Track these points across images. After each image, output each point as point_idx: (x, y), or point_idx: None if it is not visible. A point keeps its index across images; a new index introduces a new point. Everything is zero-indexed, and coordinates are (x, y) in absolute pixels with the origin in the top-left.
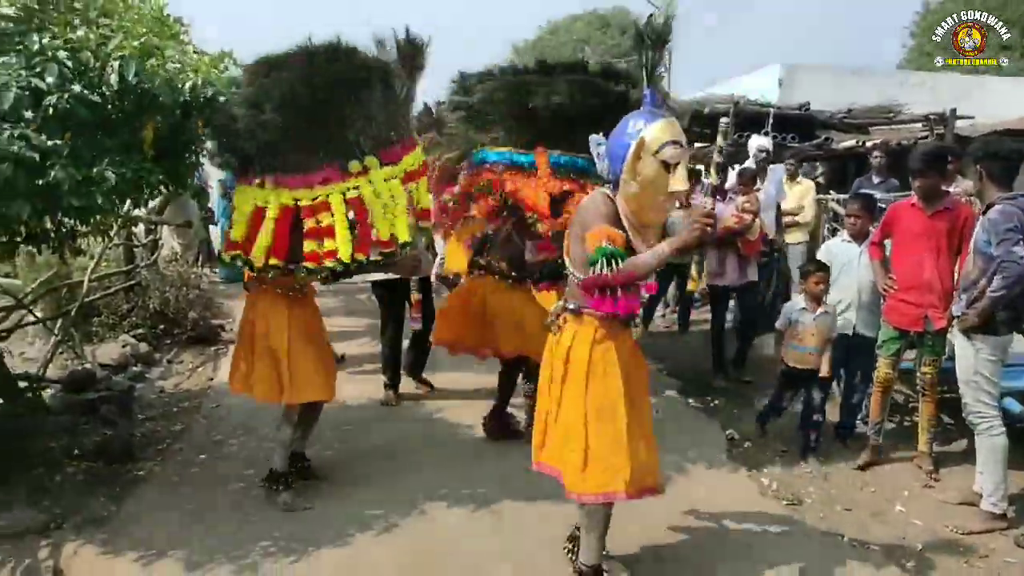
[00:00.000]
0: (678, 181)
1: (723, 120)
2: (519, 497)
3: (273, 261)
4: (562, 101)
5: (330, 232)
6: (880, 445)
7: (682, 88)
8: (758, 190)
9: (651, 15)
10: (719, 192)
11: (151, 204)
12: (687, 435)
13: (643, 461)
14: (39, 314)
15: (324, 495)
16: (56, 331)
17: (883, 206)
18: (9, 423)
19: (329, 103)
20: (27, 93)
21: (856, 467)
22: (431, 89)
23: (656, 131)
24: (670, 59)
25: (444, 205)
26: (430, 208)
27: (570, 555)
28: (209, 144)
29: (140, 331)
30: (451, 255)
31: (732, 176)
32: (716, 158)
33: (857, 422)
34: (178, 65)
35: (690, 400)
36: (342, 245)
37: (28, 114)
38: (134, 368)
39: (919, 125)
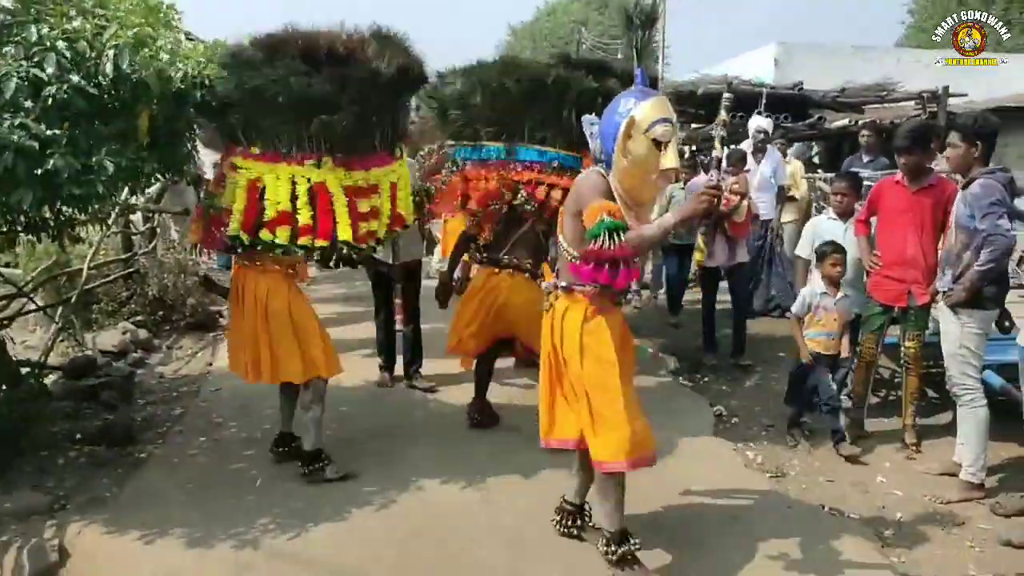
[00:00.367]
0: (669, 159)
1: (725, 95)
2: (510, 474)
3: (320, 243)
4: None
5: (375, 214)
6: (864, 419)
7: (678, 69)
8: (747, 171)
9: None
10: (717, 167)
11: (148, 192)
12: (676, 411)
13: (638, 432)
14: (39, 302)
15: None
16: (57, 319)
17: (871, 184)
18: (13, 409)
19: (394, 95)
20: (26, 83)
21: (842, 442)
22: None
23: (647, 109)
24: (663, 39)
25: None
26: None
27: (557, 526)
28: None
29: (139, 318)
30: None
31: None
32: (719, 131)
33: (842, 397)
34: (169, 55)
35: (680, 378)
36: (381, 228)
37: (27, 104)
38: (134, 354)
39: (912, 103)
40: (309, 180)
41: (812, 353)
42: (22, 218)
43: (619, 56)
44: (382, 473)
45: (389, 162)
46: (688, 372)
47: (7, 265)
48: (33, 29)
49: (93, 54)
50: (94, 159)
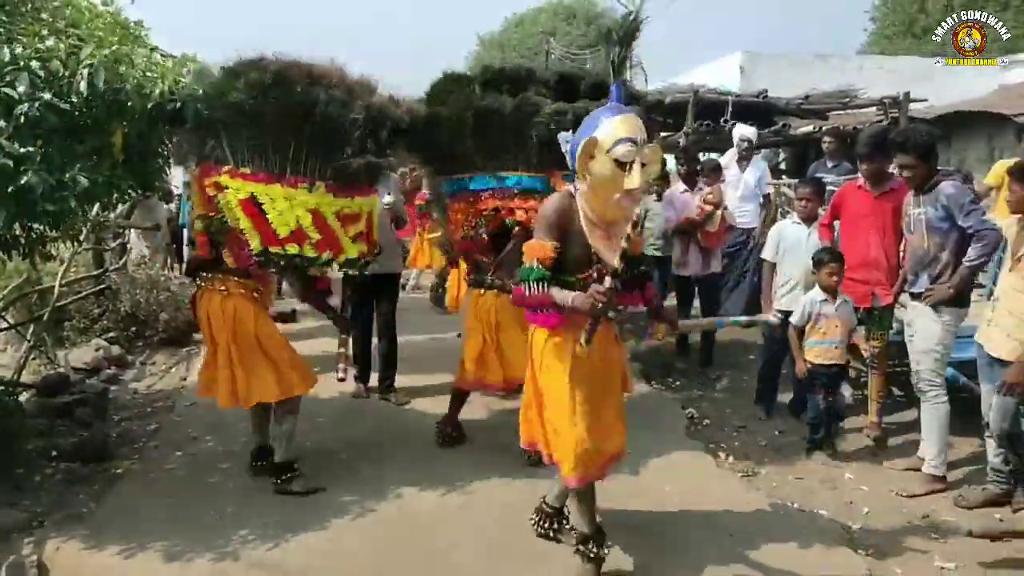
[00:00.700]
0: (632, 179)
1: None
2: (486, 481)
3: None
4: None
5: (360, 239)
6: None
7: (644, 78)
8: (723, 181)
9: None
10: (688, 180)
11: (119, 209)
12: (649, 414)
13: (588, 450)
14: (10, 320)
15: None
16: (28, 337)
17: (835, 188)
18: None
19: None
20: None
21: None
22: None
23: (609, 128)
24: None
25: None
26: None
27: (535, 527)
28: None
29: (112, 334)
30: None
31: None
32: (681, 142)
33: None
34: (144, 72)
35: (652, 382)
36: (355, 250)
37: (0, 123)
38: (107, 371)
39: (874, 109)
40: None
41: (810, 366)
42: None
43: (588, 66)
44: (359, 483)
45: (369, 193)
46: (661, 376)
47: None
48: (6, 50)
49: (67, 72)
50: (67, 175)
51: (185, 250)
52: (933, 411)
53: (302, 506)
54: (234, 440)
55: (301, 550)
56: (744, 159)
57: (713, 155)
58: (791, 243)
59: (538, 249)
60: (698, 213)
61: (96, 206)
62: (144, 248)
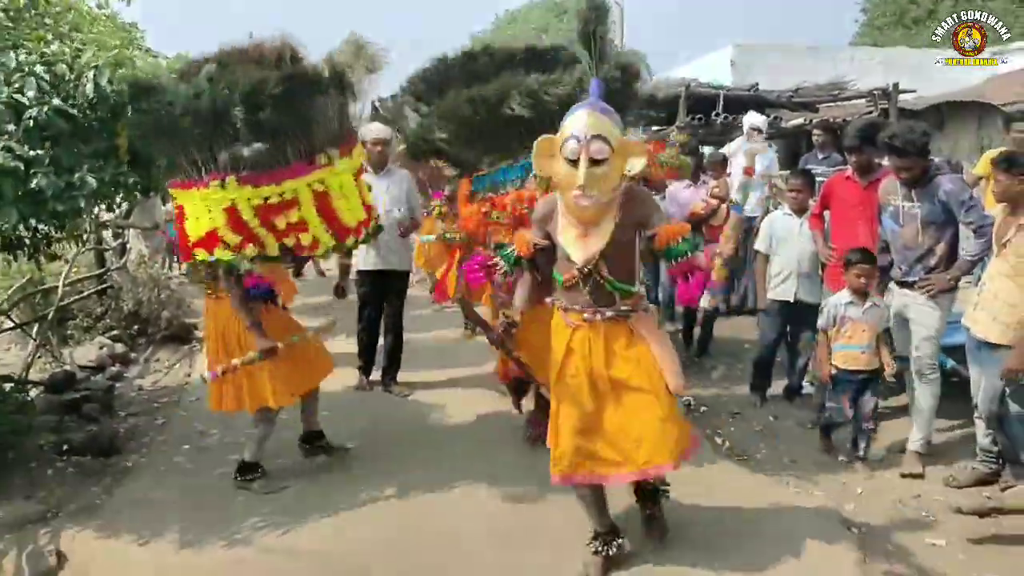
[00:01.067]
0: (577, 176)
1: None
2: (490, 469)
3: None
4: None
5: (303, 227)
6: (826, 403)
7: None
8: (729, 175)
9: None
10: (692, 176)
11: (117, 209)
12: None
13: (563, 450)
14: (16, 320)
15: (308, 474)
16: (34, 335)
17: (824, 180)
18: (1, 422)
19: (295, 102)
20: (8, 108)
21: (805, 426)
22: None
23: (564, 125)
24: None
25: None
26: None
27: None
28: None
29: (115, 332)
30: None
31: None
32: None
33: (804, 383)
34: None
35: None
36: (322, 236)
37: (10, 127)
38: (112, 368)
39: (864, 101)
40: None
41: (836, 370)
42: None
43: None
44: (365, 471)
45: (306, 171)
46: None
47: None
48: (12, 55)
49: (72, 76)
50: (76, 176)
51: None
52: (929, 391)
53: (309, 495)
54: (240, 433)
55: (311, 536)
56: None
57: (707, 148)
58: (783, 234)
59: (519, 239)
60: (703, 207)
61: (102, 206)
62: (143, 247)
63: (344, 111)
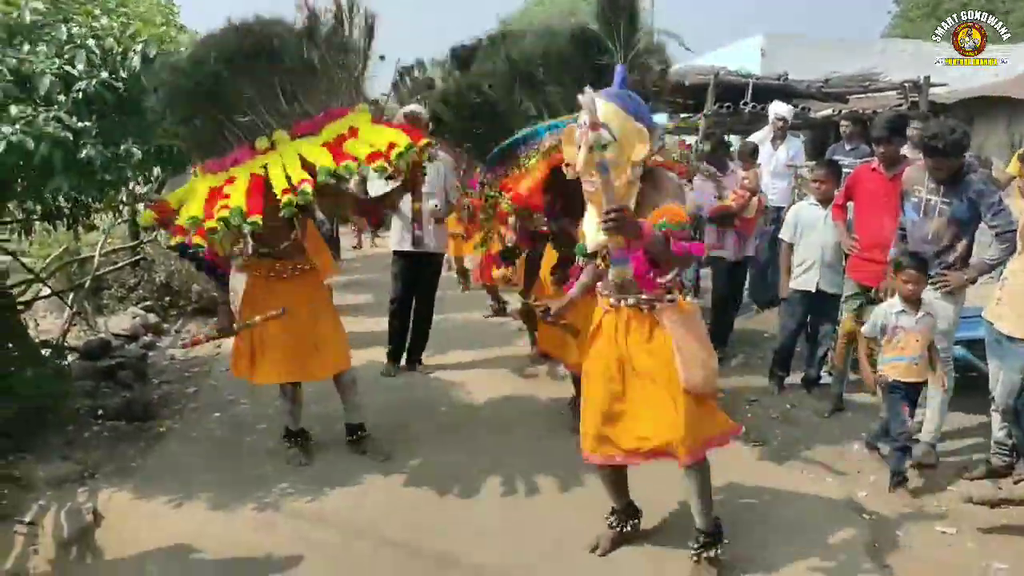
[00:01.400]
0: (578, 159)
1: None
2: (507, 446)
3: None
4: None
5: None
6: (843, 393)
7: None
8: (758, 165)
9: None
10: (719, 164)
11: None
12: None
13: (600, 430)
14: (53, 288)
15: (335, 448)
16: (70, 303)
17: (850, 171)
18: (40, 385)
19: (224, 83)
20: (58, 79)
21: (822, 415)
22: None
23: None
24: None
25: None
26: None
27: None
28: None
29: (148, 303)
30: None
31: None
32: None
33: (822, 373)
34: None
35: None
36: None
37: (60, 98)
38: (145, 337)
39: (894, 93)
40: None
41: (888, 381)
42: (39, 207)
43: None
44: (387, 444)
45: (247, 156)
46: None
47: (21, 254)
48: (63, 28)
49: (120, 49)
50: (123, 148)
51: None
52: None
53: (334, 465)
54: (269, 403)
55: (338, 502)
56: (779, 137)
57: (733, 138)
58: (807, 224)
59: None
60: (734, 199)
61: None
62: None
63: (310, 84)
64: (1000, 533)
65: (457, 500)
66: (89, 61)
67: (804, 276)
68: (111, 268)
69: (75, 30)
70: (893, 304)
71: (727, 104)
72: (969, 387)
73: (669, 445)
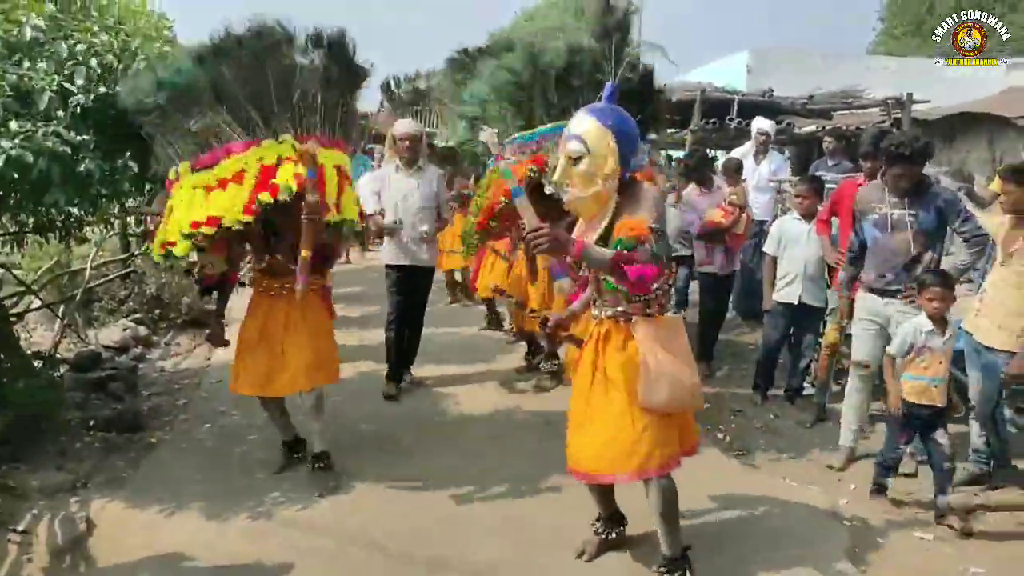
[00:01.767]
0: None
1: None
2: (499, 451)
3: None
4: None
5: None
6: (825, 404)
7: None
8: (744, 180)
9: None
10: (703, 182)
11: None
12: None
13: (570, 442)
14: (43, 300)
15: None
16: (61, 315)
17: (834, 186)
18: (32, 396)
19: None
20: (57, 95)
21: (805, 425)
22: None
23: None
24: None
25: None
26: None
27: None
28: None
29: (138, 315)
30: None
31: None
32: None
33: (804, 384)
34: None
35: None
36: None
37: (59, 113)
38: (135, 349)
39: (877, 110)
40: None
41: (908, 403)
42: (32, 219)
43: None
44: (380, 452)
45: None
46: None
47: (12, 267)
48: (64, 45)
49: (120, 66)
50: (119, 162)
51: None
52: None
53: (342, 479)
54: (259, 414)
55: (329, 510)
56: (761, 152)
57: (718, 153)
58: (791, 238)
59: None
60: (724, 216)
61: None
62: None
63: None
64: (978, 539)
65: (448, 507)
66: (88, 77)
67: (787, 289)
68: (102, 280)
69: (77, 47)
70: (923, 322)
71: (713, 120)
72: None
73: (609, 462)
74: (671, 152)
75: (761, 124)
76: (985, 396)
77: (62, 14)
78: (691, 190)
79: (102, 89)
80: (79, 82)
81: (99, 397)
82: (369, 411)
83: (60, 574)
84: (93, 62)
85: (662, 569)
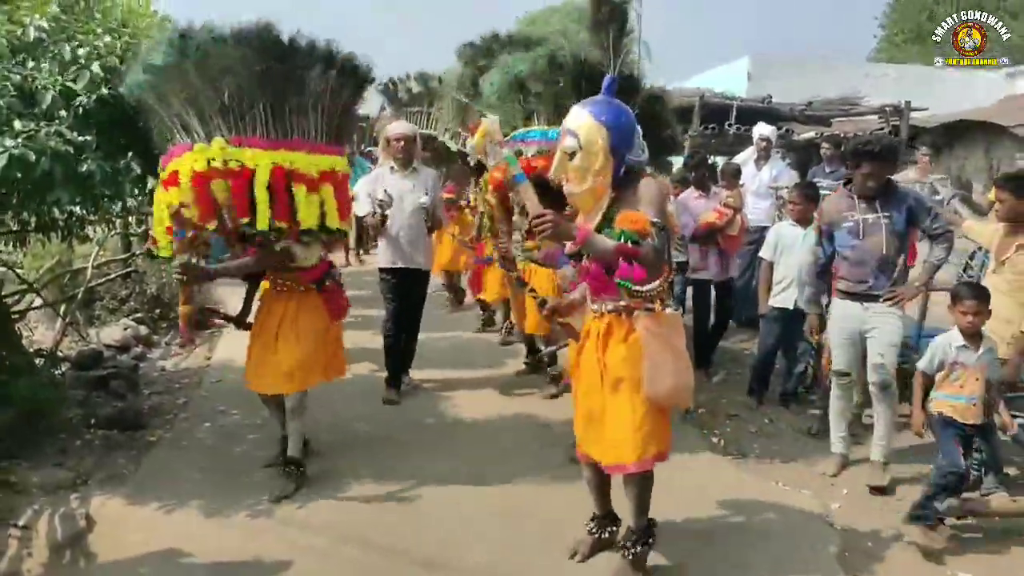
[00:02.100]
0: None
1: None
2: (493, 451)
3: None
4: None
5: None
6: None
7: (653, 82)
8: (742, 186)
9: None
10: (702, 186)
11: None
12: None
13: (578, 431)
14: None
15: (324, 456)
16: (62, 314)
17: (828, 193)
18: (33, 395)
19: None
20: (60, 95)
21: (811, 432)
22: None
23: None
24: (640, 50)
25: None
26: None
27: None
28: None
29: (139, 315)
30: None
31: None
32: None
33: (800, 389)
34: None
35: None
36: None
37: (62, 113)
38: (136, 349)
39: (876, 117)
40: None
41: (944, 418)
42: (34, 218)
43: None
44: (377, 452)
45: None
46: None
47: (13, 265)
48: (67, 48)
49: (124, 68)
50: (122, 162)
51: None
52: (890, 403)
53: (325, 473)
54: (259, 414)
55: (326, 509)
56: (762, 158)
57: (718, 159)
58: (787, 244)
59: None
60: (718, 217)
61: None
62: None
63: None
64: (967, 544)
65: (444, 506)
66: (91, 80)
67: (783, 294)
68: (103, 280)
69: (80, 51)
70: (953, 337)
71: (712, 125)
72: None
73: (618, 452)
74: (670, 158)
75: (763, 130)
76: None
77: (65, 15)
78: (689, 193)
79: (105, 90)
80: (81, 84)
81: (100, 395)
82: (366, 412)
83: (60, 569)
84: (95, 67)
85: (631, 541)
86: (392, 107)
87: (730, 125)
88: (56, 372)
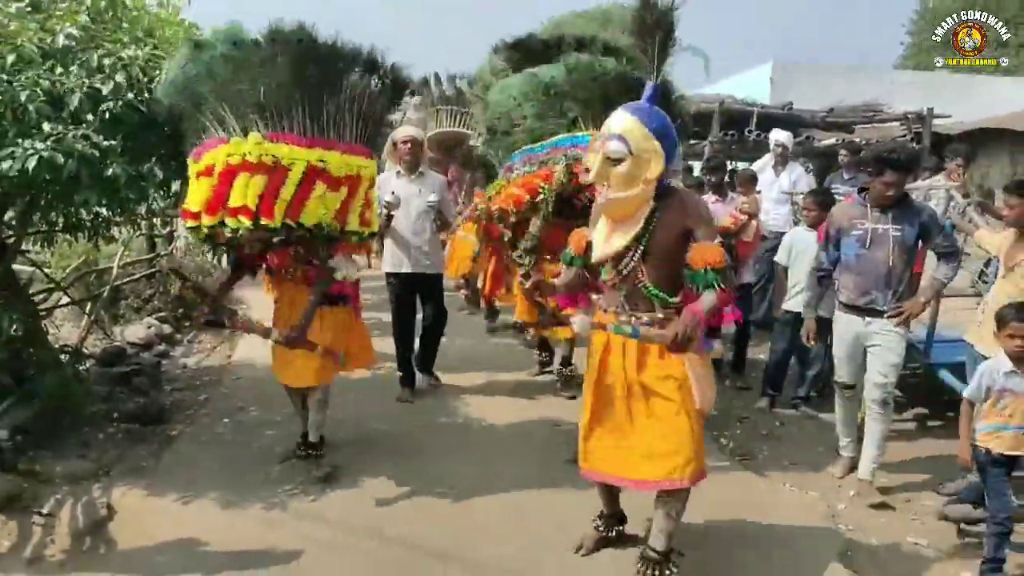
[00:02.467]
0: (592, 171)
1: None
2: (505, 449)
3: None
4: None
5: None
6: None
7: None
8: (758, 192)
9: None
10: (718, 191)
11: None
12: None
13: (593, 448)
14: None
15: (340, 450)
16: (88, 312)
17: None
18: (58, 390)
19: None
20: (87, 98)
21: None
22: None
23: None
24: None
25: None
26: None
27: None
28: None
29: (162, 314)
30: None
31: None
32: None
33: (813, 393)
34: None
35: None
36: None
37: (88, 117)
38: (159, 346)
39: (898, 124)
40: None
41: (993, 456)
42: (61, 219)
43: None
44: (390, 450)
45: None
46: None
47: (42, 264)
48: (95, 56)
49: (146, 79)
50: (146, 167)
51: None
52: (887, 420)
53: (338, 469)
54: (278, 411)
55: (340, 503)
56: (780, 164)
57: (737, 164)
58: (802, 248)
59: (575, 237)
60: (732, 222)
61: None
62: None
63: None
64: (971, 547)
65: (458, 501)
66: (116, 86)
67: (796, 299)
68: (128, 279)
69: (106, 61)
70: (1001, 363)
71: (731, 132)
72: (953, 408)
73: (672, 468)
74: (690, 163)
75: (778, 136)
76: None
77: (95, 24)
78: (706, 198)
79: (130, 96)
80: (106, 90)
81: (123, 391)
82: (381, 411)
83: (81, 556)
84: (120, 77)
85: (652, 560)
86: (422, 104)
87: (750, 131)
88: (81, 368)
